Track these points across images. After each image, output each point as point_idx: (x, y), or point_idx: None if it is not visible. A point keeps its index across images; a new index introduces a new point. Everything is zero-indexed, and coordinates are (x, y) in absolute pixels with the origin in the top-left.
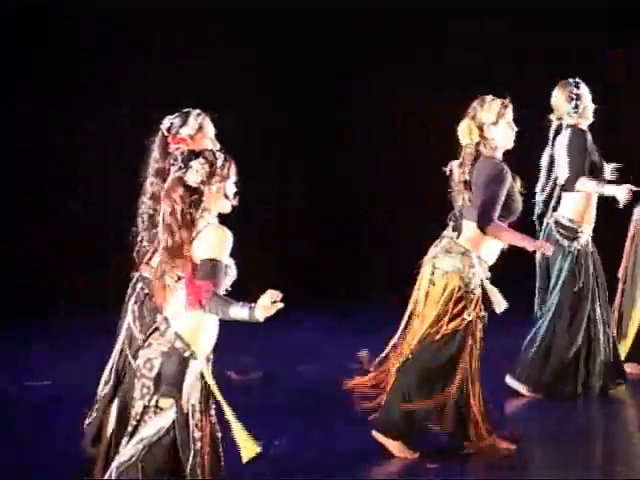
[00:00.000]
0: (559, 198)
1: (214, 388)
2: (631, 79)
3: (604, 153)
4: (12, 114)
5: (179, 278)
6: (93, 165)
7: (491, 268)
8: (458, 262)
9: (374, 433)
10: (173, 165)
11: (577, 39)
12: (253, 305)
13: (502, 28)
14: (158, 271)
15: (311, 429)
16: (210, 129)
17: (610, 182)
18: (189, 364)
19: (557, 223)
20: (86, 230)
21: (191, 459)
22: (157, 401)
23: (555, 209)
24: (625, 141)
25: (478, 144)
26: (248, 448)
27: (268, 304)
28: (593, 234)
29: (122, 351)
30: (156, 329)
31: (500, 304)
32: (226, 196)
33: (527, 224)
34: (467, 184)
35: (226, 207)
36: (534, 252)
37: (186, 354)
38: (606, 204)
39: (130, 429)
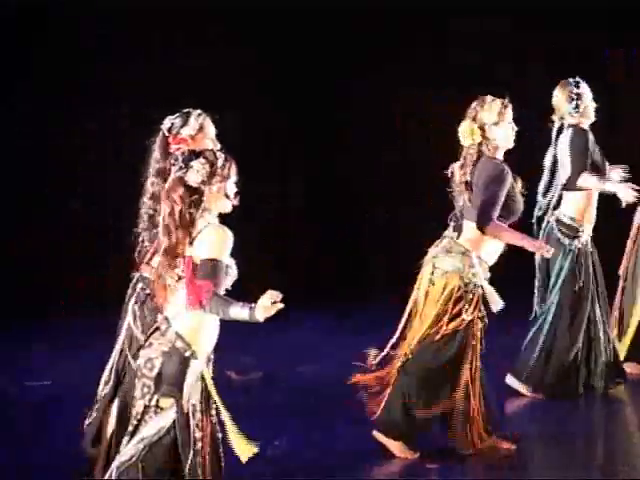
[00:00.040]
0: (560, 197)
1: (212, 390)
2: (631, 79)
3: (605, 153)
4: (12, 114)
5: (179, 278)
6: (93, 165)
7: (491, 268)
8: (458, 262)
9: (375, 433)
10: (174, 165)
11: (577, 39)
12: (253, 305)
13: (502, 28)
14: (158, 271)
15: (311, 429)
16: (211, 129)
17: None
18: (190, 364)
19: (558, 221)
20: (86, 230)
21: (190, 459)
22: (158, 401)
23: (556, 208)
24: (625, 141)
25: (480, 145)
26: (244, 449)
27: (268, 304)
28: (593, 234)
29: (122, 351)
30: (157, 329)
31: (496, 303)
32: (227, 196)
33: (528, 224)
34: (468, 185)
35: (227, 207)
36: (534, 252)
37: (187, 354)
38: (606, 204)
39: (131, 429)
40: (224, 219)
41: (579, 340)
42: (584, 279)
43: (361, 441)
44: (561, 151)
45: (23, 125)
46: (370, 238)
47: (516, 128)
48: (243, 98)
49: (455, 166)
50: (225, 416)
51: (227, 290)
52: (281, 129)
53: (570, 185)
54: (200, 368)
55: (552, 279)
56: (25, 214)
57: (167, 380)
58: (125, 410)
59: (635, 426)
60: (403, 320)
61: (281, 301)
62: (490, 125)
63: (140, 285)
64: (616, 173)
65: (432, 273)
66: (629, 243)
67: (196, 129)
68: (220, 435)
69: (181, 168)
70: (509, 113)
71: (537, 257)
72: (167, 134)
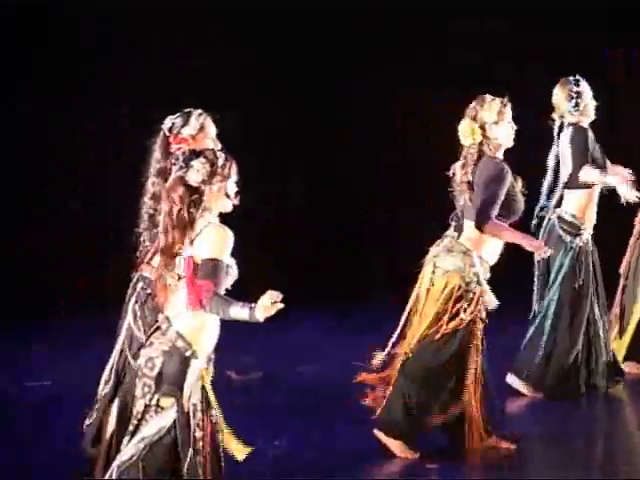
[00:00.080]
0: (561, 195)
1: (209, 389)
2: (631, 79)
3: (605, 152)
4: (12, 114)
5: (180, 278)
6: (93, 165)
7: (491, 268)
8: (459, 261)
9: (376, 432)
10: (174, 165)
11: (577, 39)
12: (253, 305)
13: (502, 28)
14: (158, 271)
15: (311, 429)
16: (211, 129)
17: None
18: (190, 363)
19: (560, 219)
20: (86, 230)
21: (189, 459)
22: (158, 400)
23: (558, 206)
24: (625, 141)
25: (481, 144)
26: (237, 449)
27: (268, 304)
28: (593, 231)
29: (122, 351)
30: (157, 328)
31: (491, 302)
32: (227, 195)
33: (528, 224)
34: (470, 184)
35: (227, 206)
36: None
37: (187, 353)
38: (606, 203)
39: (131, 428)
40: (224, 219)
41: (579, 342)
42: (584, 277)
43: (361, 441)
44: (562, 150)
45: (23, 125)
46: (370, 238)
47: (515, 127)
48: (243, 98)
49: (456, 166)
50: (220, 419)
51: (227, 290)
52: (281, 129)
53: (572, 183)
54: (201, 368)
55: (552, 276)
56: (25, 214)
57: (168, 379)
58: (125, 410)
59: (635, 426)
60: (403, 319)
61: (281, 301)
62: (490, 124)
63: (140, 285)
64: (623, 170)
65: (433, 272)
66: (632, 241)
67: (197, 129)
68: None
69: (181, 168)
70: (509, 112)
71: (536, 255)
72: (168, 134)
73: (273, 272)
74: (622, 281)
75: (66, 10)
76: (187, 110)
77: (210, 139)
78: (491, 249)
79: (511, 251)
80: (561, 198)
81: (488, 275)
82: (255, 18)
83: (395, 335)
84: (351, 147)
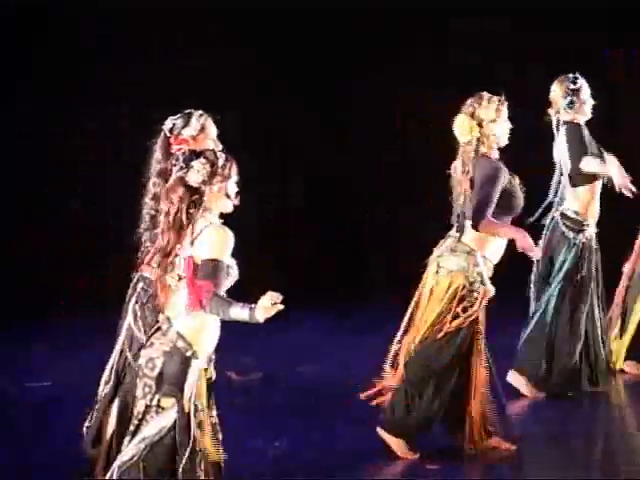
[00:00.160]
0: (563, 193)
1: (203, 389)
2: (631, 79)
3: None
4: (12, 114)
5: (180, 278)
6: (93, 165)
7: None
8: (463, 261)
9: (378, 430)
10: (174, 165)
11: (577, 39)
12: (253, 306)
13: (502, 28)
14: (157, 271)
15: (311, 429)
16: (212, 130)
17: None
18: (191, 364)
19: (563, 215)
20: (86, 230)
21: (185, 460)
22: (159, 400)
23: (560, 204)
24: (625, 141)
25: (477, 141)
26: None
27: (268, 305)
28: (597, 229)
29: (122, 351)
30: (158, 329)
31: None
32: (227, 196)
33: (529, 223)
34: (471, 182)
35: (227, 207)
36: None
37: (188, 354)
38: (607, 204)
39: (132, 428)
40: (224, 219)
41: (580, 337)
42: (586, 273)
43: (361, 441)
44: (559, 150)
45: (23, 125)
46: (370, 238)
47: (511, 126)
48: (243, 98)
49: (455, 164)
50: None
51: (227, 290)
52: (281, 129)
53: (573, 180)
54: (201, 368)
55: (554, 271)
56: (25, 214)
57: (168, 380)
58: (125, 410)
59: (635, 426)
60: (406, 319)
61: (281, 302)
62: (488, 122)
63: (141, 285)
64: (613, 158)
65: (437, 272)
66: (638, 243)
67: (197, 130)
68: (220, 436)
69: (182, 168)
70: (505, 111)
71: (539, 247)
72: (169, 135)
73: (273, 272)
74: (626, 282)
75: (66, 10)
76: (188, 111)
77: (211, 140)
78: (494, 249)
79: (511, 251)
80: (563, 196)
81: (491, 274)
82: (255, 18)
83: (398, 336)
84: (351, 147)
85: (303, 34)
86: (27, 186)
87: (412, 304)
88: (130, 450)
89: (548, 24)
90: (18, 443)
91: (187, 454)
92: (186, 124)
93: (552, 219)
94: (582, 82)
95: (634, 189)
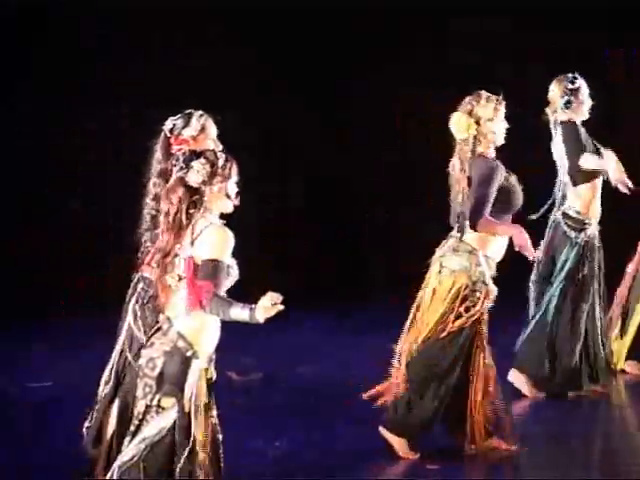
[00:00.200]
0: (564, 193)
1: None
2: (631, 79)
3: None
4: (12, 114)
5: (180, 278)
6: (93, 165)
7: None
8: (465, 261)
9: (380, 429)
10: (175, 166)
11: (577, 39)
12: (253, 306)
13: (502, 28)
14: (158, 272)
15: (311, 429)
16: (212, 130)
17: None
18: (191, 364)
19: (565, 215)
20: (86, 230)
21: (182, 460)
22: (159, 400)
23: (562, 203)
24: (625, 141)
25: (474, 139)
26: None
27: (268, 306)
28: (600, 227)
29: (122, 351)
30: (158, 329)
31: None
32: (227, 196)
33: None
34: (469, 180)
35: (228, 207)
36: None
37: (188, 354)
38: (609, 202)
39: (132, 428)
40: (225, 219)
41: (580, 336)
42: (587, 272)
43: (361, 441)
44: (557, 151)
45: (23, 125)
46: (370, 238)
47: (508, 126)
48: (243, 98)
49: (454, 163)
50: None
51: (228, 290)
52: (281, 129)
53: (573, 179)
54: (201, 368)
55: (556, 270)
56: (25, 214)
57: (169, 380)
58: (126, 410)
59: (635, 426)
60: (410, 319)
61: (281, 302)
62: (485, 120)
63: (141, 285)
64: (611, 153)
65: (439, 272)
66: None
67: (198, 130)
68: (220, 436)
69: (182, 168)
70: (503, 110)
71: (539, 251)
72: (169, 135)
73: (273, 272)
74: (629, 282)
75: (66, 10)
76: (188, 111)
77: (211, 140)
78: (496, 248)
79: (511, 251)
80: (564, 196)
81: (494, 272)
82: (255, 18)
83: (401, 336)
84: (351, 147)
85: (303, 34)
86: (27, 186)
87: (415, 305)
88: (130, 450)
89: (548, 24)
90: (18, 443)
91: (185, 454)
92: (186, 124)
93: (554, 219)
94: (581, 82)
95: (630, 185)
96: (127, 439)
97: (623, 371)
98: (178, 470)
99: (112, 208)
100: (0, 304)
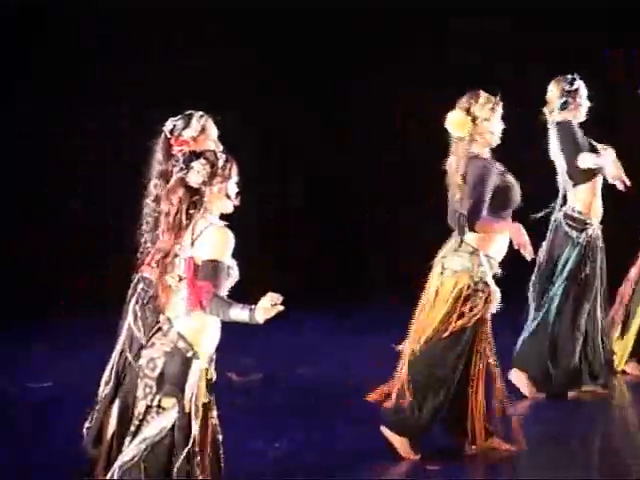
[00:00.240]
0: (565, 195)
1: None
2: (631, 79)
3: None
4: (12, 114)
5: (181, 279)
6: (93, 165)
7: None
8: (467, 261)
9: (382, 428)
10: (175, 166)
11: (577, 39)
12: (253, 307)
13: (502, 28)
14: (158, 272)
15: (311, 429)
16: (213, 131)
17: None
18: (192, 364)
19: (566, 215)
20: (86, 230)
21: (180, 461)
22: (160, 401)
23: (563, 204)
24: (625, 141)
25: (470, 138)
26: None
27: (268, 306)
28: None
29: (123, 352)
30: (159, 329)
31: (495, 306)
32: (228, 196)
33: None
34: (463, 178)
35: (228, 207)
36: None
37: (189, 354)
38: (609, 202)
39: (133, 429)
40: (225, 219)
41: (580, 336)
42: (590, 272)
43: (361, 441)
44: (553, 151)
45: (23, 125)
46: (370, 238)
47: (504, 127)
48: (243, 98)
49: (450, 161)
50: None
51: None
52: (281, 129)
53: (573, 178)
54: (202, 369)
55: (557, 270)
56: (25, 214)
57: (169, 380)
58: (126, 411)
59: (636, 426)
60: (413, 320)
61: (281, 302)
62: (482, 119)
63: (141, 286)
64: (610, 150)
65: (441, 273)
66: None
67: (198, 131)
68: (221, 437)
69: (182, 169)
70: (500, 111)
71: (541, 251)
72: (169, 136)
73: (273, 272)
74: (632, 285)
75: (66, 10)
76: (188, 112)
77: (211, 141)
78: (497, 247)
79: (510, 251)
80: (564, 197)
81: (498, 271)
82: (255, 18)
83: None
84: (351, 147)
85: (303, 34)
86: (27, 186)
87: (419, 305)
88: (131, 450)
89: (548, 24)
90: (18, 443)
91: (183, 454)
92: (187, 125)
93: (555, 220)
94: (579, 84)
95: (627, 182)
96: (128, 439)
97: (623, 372)
98: (175, 470)
99: (112, 208)
100: (0, 304)
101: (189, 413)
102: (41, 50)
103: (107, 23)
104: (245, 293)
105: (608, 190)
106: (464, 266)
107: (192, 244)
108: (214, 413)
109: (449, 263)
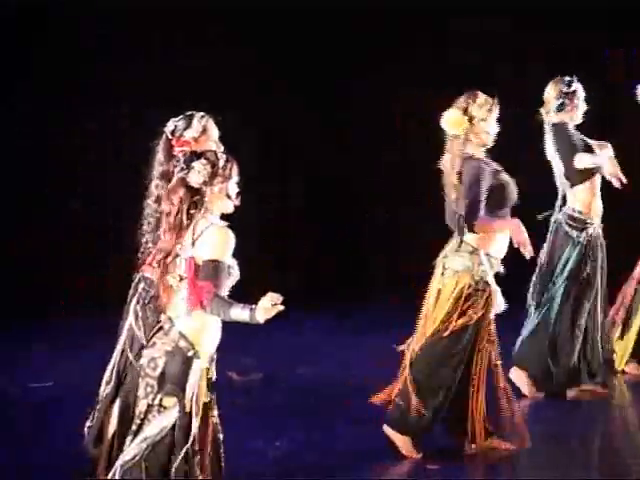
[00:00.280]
0: (564, 195)
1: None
2: (631, 79)
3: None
4: (12, 114)
5: (182, 278)
6: (93, 165)
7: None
8: (467, 261)
9: (384, 427)
10: (176, 167)
11: (577, 39)
12: (254, 307)
13: (502, 28)
14: (159, 272)
15: (311, 429)
16: (214, 131)
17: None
18: (192, 364)
19: (566, 216)
20: (86, 230)
21: (178, 460)
22: (161, 400)
23: (562, 205)
24: (625, 141)
25: (465, 137)
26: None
27: (268, 306)
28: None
29: (124, 351)
30: (160, 328)
31: (499, 305)
32: (228, 196)
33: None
34: (459, 175)
35: (228, 207)
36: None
37: (189, 353)
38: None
39: (134, 428)
40: (225, 219)
41: (580, 335)
42: (590, 271)
43: (361, 441)
44: (550, 154)
45: (23, 125)
46: (370, 238)
47: (498, 129)
48: (243, 98)
49: (444, 160)
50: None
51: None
52: (281, 129)
53: (571, 180)
54: (203, 368)
55: (557, 270)
56: (25, 214)
57: (170, 379)
58: (127, 410)
59: (636, 426)
60: (418, 321)
61: (281, 302)
62: (479, 120)
63: (142, 285)
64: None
65: (442, 274)
66: None
67: (199, 131)
68: (221, 436)
69: (182, 169)
70: (496, 113)
71: (542, 253)
72: (170, 137)
73: (273, 272)
74: (634, 284)
75: (66, 10)
76: (189, 113)
77: (213, 141)
78: (498, 246)
79: (510, 251)
80: (564, 199)
81: (501, 269)
82: (255, 18)
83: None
84: (351, 147)
85: (303, 34)
86: (27, 186)
87: (423, 306)
88: (132, 450)
89: (548, 24)
90: (18, 443)
91: (182, 454)
92: (188, 126)
93: (555, 221)
94: (577, 86)
95: (624, 179)
96: (129, 438)
97: (623, 372)
98: (173, 470)
99: (112, 208)
100: (0, 304)
101: (190, 412)
102: (41, 50)
103: (107, 23)
104: (245, 293)
105: (608, 188)
106: (465, 266)
107: (193, 244)
108: (215, 412)
109: (450, 263)
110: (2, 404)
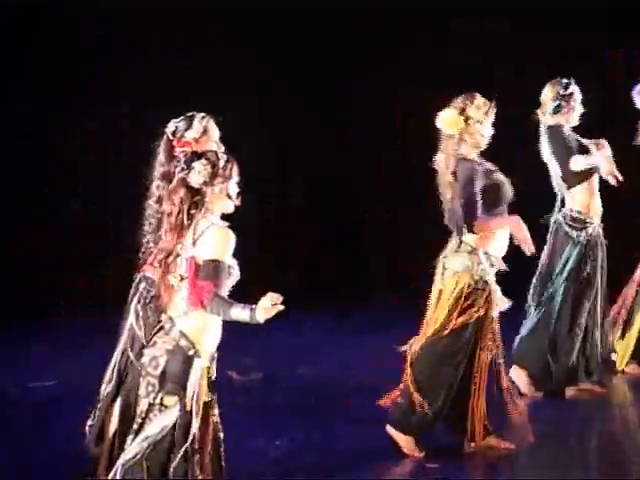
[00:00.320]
0: (562, 197)
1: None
2: (631, 79)
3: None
4: (12, 114)
5: (182, 278)
6: (93, 165)
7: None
8: (467, 260)
9: (387, 427)
10: (176, 167)
11: (577, 39)
12: (254, 307)
13: (502, 28)
14: (160, 272)
15: (311, 429)
16: (215, 132)
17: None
18: (193, 363)
19: (566, 216)
20: (86, 230)
21: (177, 459)
22: (162, 399)
23: (562, 206)
24: (625, 141)
25: (460, 137)
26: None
27: (268, 306)
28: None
29: (124, 351)
30: (161, 328)
31: (502, 303)
32: (229, 196)
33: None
34: (454, 175)
35: (229, 207)
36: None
37: (190, 353)
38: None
39: (135, 427)
40: (225, 219)
41: (580, 334)
42: (590, 271)
43: (361, 441)
44: (545, 156)
45: (23, 125)
46: (370, 238)
47: (493, 132)
48: (243, 98)
49: (439, 159)
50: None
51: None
52: (281, 129)
53: (568, 182)
54: (204, 367)
55: (557, 269)
56: (25, 214)
57: (171, 378)
58: (128, 409)
59: (636, 426)
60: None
61: (281, 302)
62: (475, 121)
63: (143, 285)
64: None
65: (442, 274)
66: None
67: (200, 132)
68: (222, 435)
69: (183, 169)
70: (492, 116)
71: (543, 254)
72: (171, 137)
73: (273, 272)
74: (635, 286)
75: (66, 10)
76: (190, 114)
77: (213, 142)
78: (497, 244)
79: (510, 251)
80: (562, 199)
81: (503, 267)
82: (255, 18)
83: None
84: (351, 147)
85: (303, 34)
86: (27, 186)
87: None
88: (133, 448)
89: (548, 24)
90: (18, 443)
91: (181, 453)
92: (189, 127)
93: (555, 222)
94: (574, 88)
95: (620, 177)
96: (130, 437)
97: (623, 372)
98: (172, 469)
99: (112, 208)
100: (0, 304)
101: (190, 411)
102: (41, 50)
103: (107, 23)
104: (245, 293)
105: (607, 188)
106: (464, 265)
107: (194, 244)
108: (215, 411)
109: (450, 263)
110: (2, 404)
